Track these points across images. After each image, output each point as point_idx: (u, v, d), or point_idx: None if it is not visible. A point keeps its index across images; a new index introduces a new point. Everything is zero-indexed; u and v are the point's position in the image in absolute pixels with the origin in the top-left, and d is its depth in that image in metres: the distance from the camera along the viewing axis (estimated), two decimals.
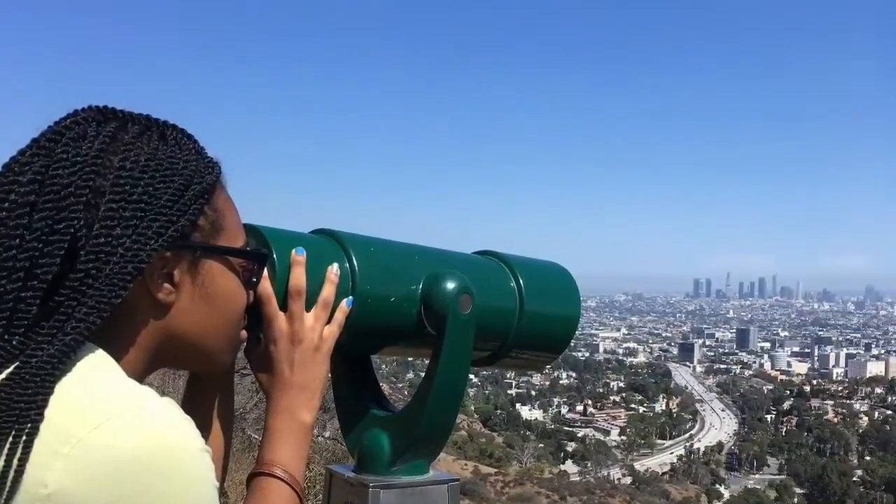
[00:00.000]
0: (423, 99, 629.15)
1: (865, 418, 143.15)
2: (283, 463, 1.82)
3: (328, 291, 1.92)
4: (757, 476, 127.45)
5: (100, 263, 1.45)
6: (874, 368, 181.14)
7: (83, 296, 1.43)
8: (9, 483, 1.30)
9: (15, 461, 1.31)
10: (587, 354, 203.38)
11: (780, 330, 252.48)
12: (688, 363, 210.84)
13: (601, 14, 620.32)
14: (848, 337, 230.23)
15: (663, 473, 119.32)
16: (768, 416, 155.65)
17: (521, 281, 2.35)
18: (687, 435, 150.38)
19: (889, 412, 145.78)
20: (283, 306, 1.87)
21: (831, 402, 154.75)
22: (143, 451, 1.33)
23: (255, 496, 1.79)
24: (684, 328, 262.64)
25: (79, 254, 1.44)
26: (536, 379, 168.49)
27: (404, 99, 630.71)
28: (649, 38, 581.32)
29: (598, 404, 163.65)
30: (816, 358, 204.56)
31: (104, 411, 1.34)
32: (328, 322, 1.92)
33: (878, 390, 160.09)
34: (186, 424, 1.41)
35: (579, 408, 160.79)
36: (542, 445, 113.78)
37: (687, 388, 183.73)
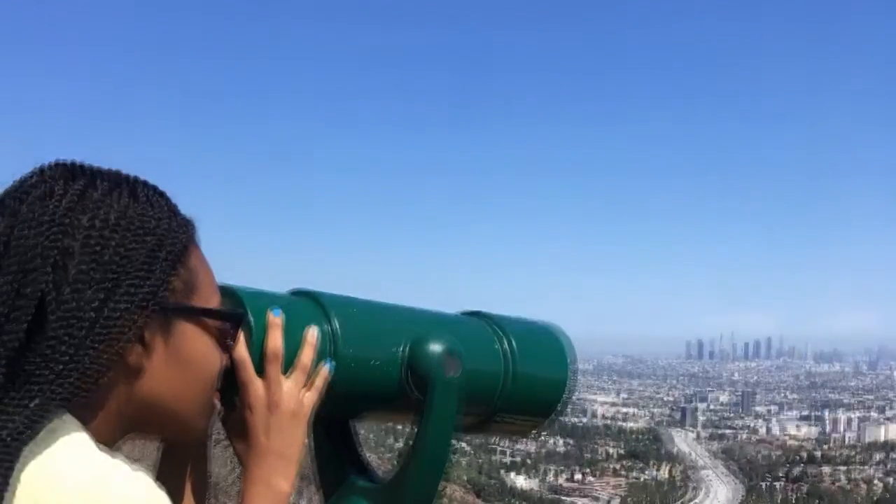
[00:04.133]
0: (407, 155, 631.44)
1: (880, 485, 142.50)
2: None
3: (307, 355, 1.91)
4: None
5: (72, 329, 1.43)
6: (888, 432, 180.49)
7: (55, 363, 1.41)
8: None
9: None
10: (582, 420, 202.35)
11: (786, 392, 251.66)
12: (689, 428, 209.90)
13: (589, 69, 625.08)
14: (859, 399, 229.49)
15: None
16: (776, 484, 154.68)
17: (511, 343, 2.33)
18: None
19: None
20: (260, 371, 1.86)
21: (843, 468, 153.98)
22: None
23: None
24: (685, 391, 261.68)
25: (48, 318, 1.42)
26: (530, 446, 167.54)
27: (387, 155, 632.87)
28: (641, 92, 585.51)
29: (595, 472, 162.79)
30: (827, 421, 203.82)
31: (72, 483, 1.33)
32: (307, 387, 1.91)
33: (893, 455, 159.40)
34: (159, 496, 1.40)
35: (576, 476, 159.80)
36: None
37: (689, 454, 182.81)
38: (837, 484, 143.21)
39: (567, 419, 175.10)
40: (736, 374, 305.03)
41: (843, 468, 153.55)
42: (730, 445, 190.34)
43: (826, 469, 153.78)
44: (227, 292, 1.86)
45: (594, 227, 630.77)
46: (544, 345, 2.50)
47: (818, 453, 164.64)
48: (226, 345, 1.74)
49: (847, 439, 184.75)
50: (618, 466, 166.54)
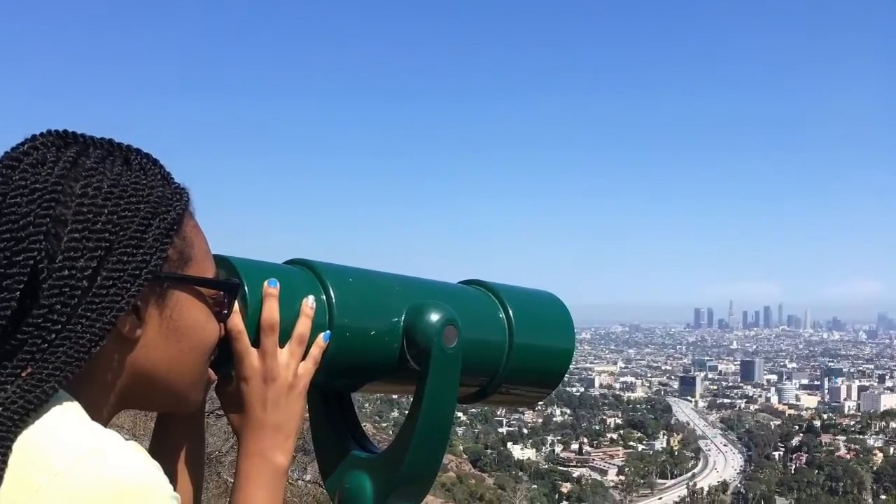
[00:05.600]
0: (404, 123, 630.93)
1: (880, 454, 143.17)
2: None
3: (303, 326, 1.89)
4: None
5: (64, 298, 1.43)
6: (888, 401, 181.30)
7: (47, 332, 1.41)
8: None
9: None
10: (582, 390, 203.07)
11: (787, 361, 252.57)
12: (689, 398, 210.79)
13: (591, 38, 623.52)
14: (860, 368, 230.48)
15: None
16: (776, 454, 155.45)
17: (510, 311, 2.33)
18: (689, 474, 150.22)
19: None
20: (256, 342, 1.84)
21: (843, 438, 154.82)
22: (107, 499, 1.31)
23: None
24: (685, 360, 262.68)
25: (41, 287, 1.43)
26: (528, 416, 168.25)
27: (384, 123, 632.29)
28: (642, 61, 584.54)
29: (595, 442, 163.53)
30: (827, 391, 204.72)
31: (65, 457, 1.32)
32: (304, 358, 1.89)
33: (894, 424, 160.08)
34: (153, 470, 1.39)
35: (574, 446, 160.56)
36: (535, 487, 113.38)
37: (689, 424, 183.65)
38: (837, 454, 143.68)
39: (566, 389, 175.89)
40: (735, 343, 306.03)
41: (842, 438, 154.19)
42: (729, 415, 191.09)
43: (826, 439, 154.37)
44: (223, 262, 1.86)
45: (597, 197, 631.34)
46: (546, 313, 2.52)
47: (818, 423, 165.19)
48: (221, 315, 1.74)
49: (847, 409, 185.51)
50: (616, 436, 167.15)
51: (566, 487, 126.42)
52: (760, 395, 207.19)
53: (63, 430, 1.39)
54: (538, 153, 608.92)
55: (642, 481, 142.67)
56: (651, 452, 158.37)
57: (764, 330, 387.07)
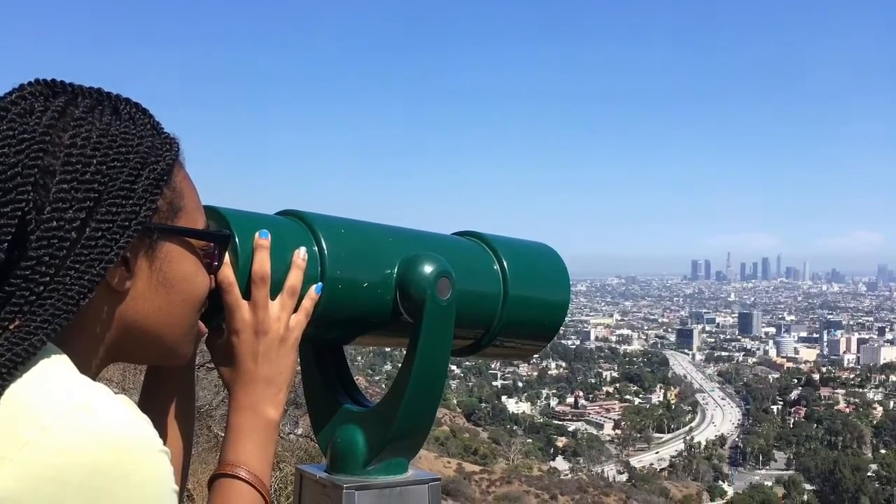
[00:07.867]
0: (399, 77, 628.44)
1: (880, 408, 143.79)
2: (248, 463, 1.79)
3: (295, 277, 1.89)
4: (763, 471, 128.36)
5: (52, 250, 1.43)
6: (888, 354, 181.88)
7: (35, 284, 1.42)
8: None
9: None
10: (578, 342, 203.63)
11: (785, 314, 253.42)
12: (686, 350, 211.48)
13: None
14: (860, 320, 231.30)
15: (661, 470, 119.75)
16: (774, 407, 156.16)
17: (505, 263, 2.32)
18: (686, 428, 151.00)
19: None
20: (247, 294, 1.83)
21: (843, 391, 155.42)
22: (96, 453, 1.31)
23: (218, 499, 1.76)
24: (682, 313, 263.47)
25: (29, 239, 1.42)
26: (523, 370, 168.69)
27: (380, 77, 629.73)
28: (638, 12, 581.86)
29: (591, 396, 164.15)
30: (826, 343, 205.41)
31: (53, 411, 1.32)
32: (295, 310, 1.89)
33: (893, 378, 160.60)
34: (142, 424, 1.39)
35: (570, 400, 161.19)
36: (530, 441, 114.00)
37: (686, 377, 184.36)
38: (836, 407, 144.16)
39: (561, 341, 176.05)
40: (733, 296, 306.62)
41: (842, 391, 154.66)
42: (727, 368, 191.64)
43: (825, 392, 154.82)
44: (213, 213, 1.85)
45: (593, 149, 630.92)
46: (541, 265, 2.49)
47: (816, 376, 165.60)
48: (211, 267, 1.73)
49: (846, 362, 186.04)
50: (612, 390, 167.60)
51: (561, 441, 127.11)
52: (758, 348, 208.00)
53: (51, 383, 1.39)
54: (532, 105, 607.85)
55: (639, 435, 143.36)
56: (648, 406, 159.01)
57: (762, 282, 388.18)
